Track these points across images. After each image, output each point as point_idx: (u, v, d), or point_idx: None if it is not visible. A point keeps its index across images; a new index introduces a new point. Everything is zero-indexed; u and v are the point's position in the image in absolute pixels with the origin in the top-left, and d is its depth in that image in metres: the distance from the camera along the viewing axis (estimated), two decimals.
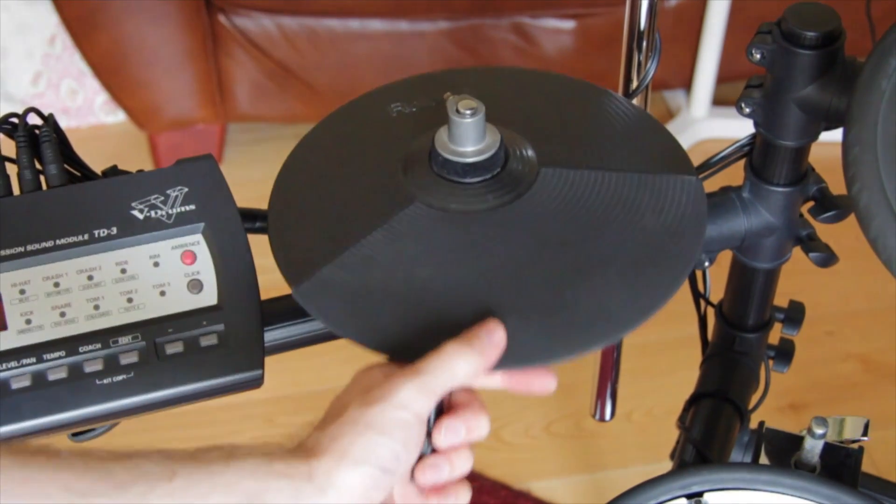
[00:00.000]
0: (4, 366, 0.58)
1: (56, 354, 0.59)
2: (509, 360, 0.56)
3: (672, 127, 1.80)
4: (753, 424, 0.82)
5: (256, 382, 0.61)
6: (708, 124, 1.95)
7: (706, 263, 0.75)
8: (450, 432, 0.55)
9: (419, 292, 0.59)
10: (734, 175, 0.74)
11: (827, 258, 0.73)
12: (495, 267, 0.60)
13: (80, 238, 0.61)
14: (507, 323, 0.57)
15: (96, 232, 0.61)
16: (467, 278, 0.59)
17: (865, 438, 0.75)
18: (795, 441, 0.76)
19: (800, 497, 0.63)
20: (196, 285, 0.61)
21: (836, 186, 0.68)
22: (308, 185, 0.66)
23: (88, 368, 0.59)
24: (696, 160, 0.67)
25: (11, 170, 0.63)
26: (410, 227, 0.61)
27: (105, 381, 0.59)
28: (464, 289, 0.59)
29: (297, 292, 0.59)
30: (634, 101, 0.77)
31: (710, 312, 0.86)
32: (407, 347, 0.56)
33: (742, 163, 0.74)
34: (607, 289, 0.59)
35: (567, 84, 0.73)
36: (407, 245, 0.61)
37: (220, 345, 0.60)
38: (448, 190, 0.62)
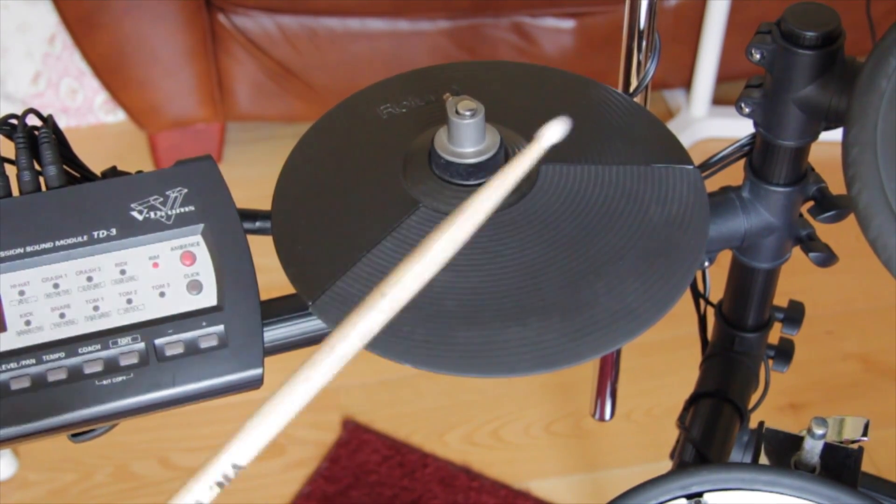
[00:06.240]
0: (4, 367, 0.58)
1: (56, 356, 0.59)
2: (537, 363, 0.56)
3: (672, 126, 1.80)
4: (753, 424, 0.82)
5: (256, 382, 0.61)
6: (708, 124, 1.95)
7: (706, 263, 0.75)
8: None
9: (438, 299, 0.59)
10: (734, 175, 0.74)
11: (827, 258, 0.73)
12: (509, 269, 0.60)
13: (80, 239, 0.61)
14: (529, 326, 0.56)
15: (95, 233, 0.61)
16: (483, 282, 0.59)
17: (865, 438, 0.75)
18: (795, 441, 0.76)
19: (800, 497, 0.63)
20: (196, 286, 0.61)
21: (836, 186, 0.68)
22: (309, 194, 0.66)
23: (88, 370, 0.59)
24: (696, 160, 0.67)
25: (10, 171, 0.63)
26: (419, 233, 0.61)
27: (105, 383, 0.59)
28: (481, 293, 0.59)
29: (315, 308, 0.59)
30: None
31: (710, 312, 0.86)
32: (431, 356, 0.56)
33: (742, 163, 0.74)
34: (623, 285, 0.59)
35: (552, 76, 0.73)
36: None
37: (220, 345, 0.60)
38: (451, 193, 0.62)
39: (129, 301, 0.61)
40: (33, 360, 0.59)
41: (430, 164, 0.64)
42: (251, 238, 0.64)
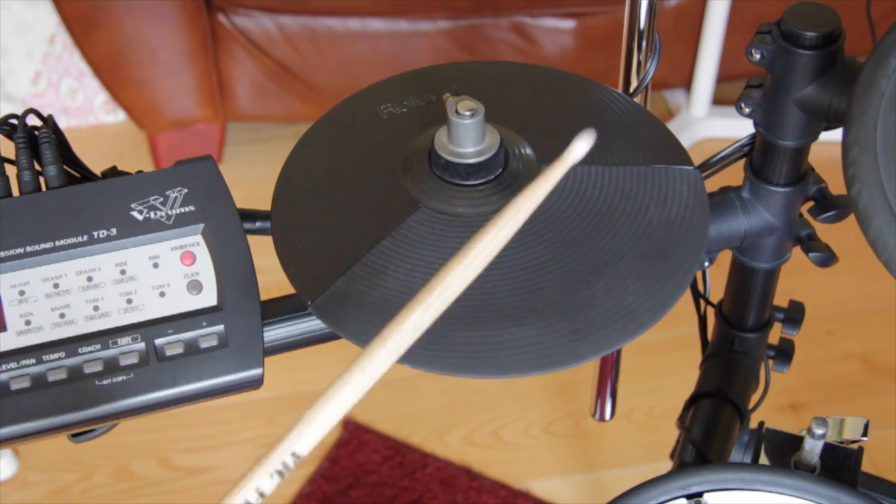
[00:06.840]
0: (4, 367, 0.58)
1: (56, 356, 0.59)
2: (536, 364, 0.56)
3: (672, 126, 1.80)
4: (753, 424, 0.82)
5: (256, 382, 0.61)
6: (708, 124, 1.95)
7: (706, 263, 0.75)
8: None
9: None
10: (734, 175, 0.74)
11: (827, 258, 0.73)
12: (509, 269, 0.60)
13: (80, 239, 0.61)
14: (528, 327, 0.56)
15: (96, 233, 0.61)
16: (483, 282, 0.59)
17: (865, 438, 0.75)
18: (795, 441, 0.76)
19: (800, 497, 0.63)
20: (196, 286, 0.61)
21: (836, 186, 0.68)
22: (309, 194, 0.66)
23: (88, 369, 0.59)
24: (696, 160, 0.67)
25: (11, 171, 0.63)
26: (418, 233, 0.61)
27: (105, 382, 0.59)
28: (481, 293, 0.59)
29: (315, 308, 0.59)
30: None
31: (710, 312, 0.86)
32: (431, 356, 0.56)
33: (742, 163, 0.74)
34: (622, 285, 0.59)
35: (552, 76, 0.73)
36: (417, 252, 0.61)
37: (220, 345, 0.60)
38: (451, 193, 0.62)
39: (129, 301, 0.61)
40: (33, 360, 0.59)
41: (429, 164, 0.64)
42: (251, 238, 0.64)
